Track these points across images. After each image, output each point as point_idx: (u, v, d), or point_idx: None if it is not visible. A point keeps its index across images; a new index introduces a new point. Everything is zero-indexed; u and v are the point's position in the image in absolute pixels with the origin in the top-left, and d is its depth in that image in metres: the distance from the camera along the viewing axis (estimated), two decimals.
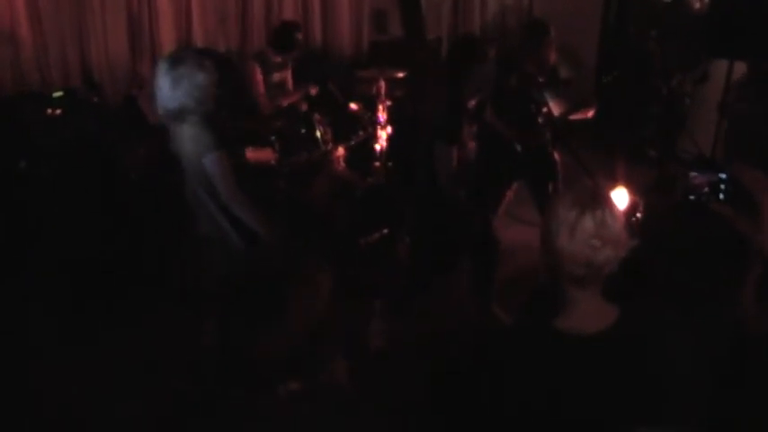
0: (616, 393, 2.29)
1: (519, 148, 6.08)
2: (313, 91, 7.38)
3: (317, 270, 2.36)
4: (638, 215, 5.38)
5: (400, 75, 7.41)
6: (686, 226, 3.63)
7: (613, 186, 5.80)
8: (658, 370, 2.29)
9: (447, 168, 5.15)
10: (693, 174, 1.98)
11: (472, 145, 5.51)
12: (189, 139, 4.23)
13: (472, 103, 5.32)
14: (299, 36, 7.36)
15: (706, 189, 1.98)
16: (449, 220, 5.40)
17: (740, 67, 7.26)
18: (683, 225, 3.65)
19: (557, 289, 2.45)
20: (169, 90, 4.13)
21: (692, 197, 1.99)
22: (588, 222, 2.32)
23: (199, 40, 8.00)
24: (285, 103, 7.21)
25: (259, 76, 7.03)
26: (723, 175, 1.96)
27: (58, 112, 6.44)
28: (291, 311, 2.19)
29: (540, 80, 6.02)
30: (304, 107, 7.36)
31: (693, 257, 3.92)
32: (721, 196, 1.96)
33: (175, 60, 4.19)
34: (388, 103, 7.18)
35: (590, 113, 6.16)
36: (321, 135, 6.82)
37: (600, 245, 2.32)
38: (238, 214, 4.28)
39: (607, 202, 2.39)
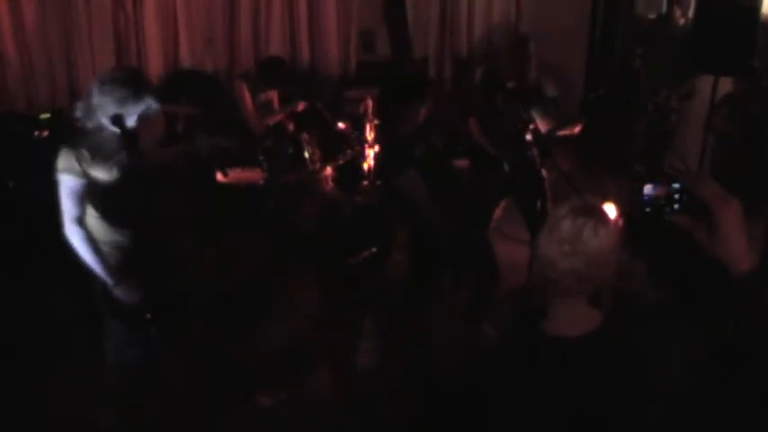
0: (600, 395, 2.30)
1: (507, 165, 6.10)
2: (300, 107, 7.37)
3: (303, 284, 2.38)
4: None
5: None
6: (648, 238, 3.66)
7: (601, 203, 5.83)
8: (640, 373, 2.30)
9: (418, 193, 5.19)
10: (648, 186, 1.99)
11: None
12: None
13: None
14: (285, 71, 7.39)
15: (666, 200, 1.99)
16: (433, 240, 5.43)
17: (726, 83, 7.29)
18: (645, 237, 3.68)
19: (542, 293, 2.46)
20: None
21: (647, 210, 2.00)
22: (566, 225, 2.32)
23: (186, 61, 8.03)
24: (272, 121, 7.21)
25: (248, 96, 7.04)
26: (677, 186, 1.98)
27: (46, 133, 6.45)
28: (275, 323, 2.21)
29: (526, 96, 6.04)
30: (291, 127, 7.36)
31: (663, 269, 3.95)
32: (676, 207, 1.98)
33: None
34: (376, 122, 7.20)
35: (576, 129, 6.18)
36: (309, 154, 6.82)
37: (569, 251, 2.31)
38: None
39: (595, 218, 2.38)
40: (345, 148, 7.17)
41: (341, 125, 7.35)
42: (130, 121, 4.15)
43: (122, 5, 7.50)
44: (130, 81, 4.21)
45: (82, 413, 4.80)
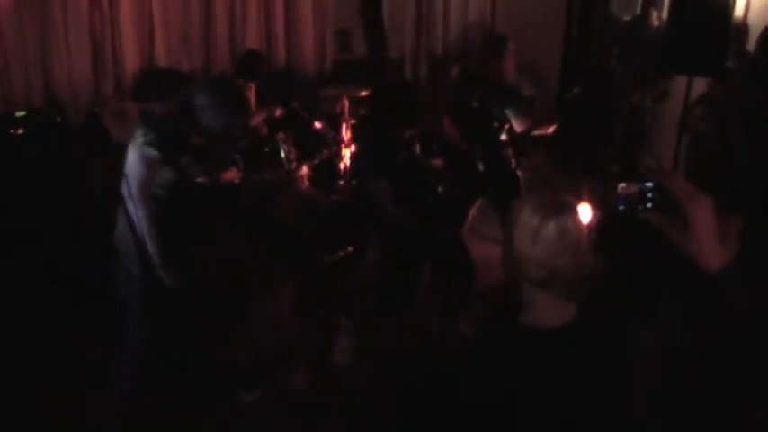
0: (579, 386, 2.34)
1: (481, 165, 6.12)
2: (278, 112, 7.37)
3: (280, 283, 2.39)
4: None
5: (364, 93, 7.44)
6: (622, 235, 3.72)
7: (576, 202, 5.85)
8: (618, 365, 2.34)
9: (385, 203, 5.21)
10: (621, 184, 2.03)
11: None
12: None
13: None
14: (263, 65, 7.41)
15: (638, 198, 2.02)
16: (405, 240, 5.45)
17: (700, 84, 7.35)
18: (619, 235, 3.73)
19: (519, 288, 2.50)
20: None
21: (621, 207, 2.04)
22: (551, 228, 2.37)
23: (162, 60, 8.00)
24: (251, 124, 7.21)
25: None
26: (649, 184, 2.01)
27: (21, 131, 6.42)
28: (254, 321, 2.22)
29: (501, 95, 6.05)
30: (266, 130, 7.36)
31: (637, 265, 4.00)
32: (649, 205, 2.01)
33: None
34: (352, 121, 7.20)
35: (550, 129, 6.20)
36: (285, 153, 6.82)
37: (561, 250, 2.36)
38: (141, 217, 4.36)
39: (570, 210, 2.44)
40: (322, 148, 7.18)
41: (317, 124, 7.36)
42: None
43: (98, 4, 7.46)
44: (227, 93, 4.76)
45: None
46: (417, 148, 5.64)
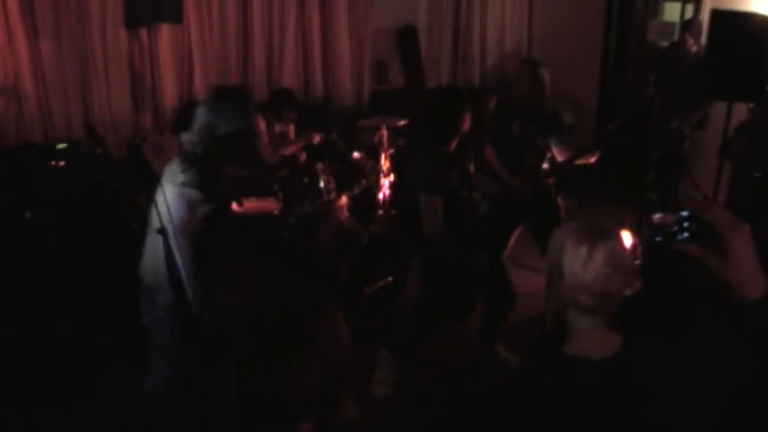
0: (624, 419, 2.31)
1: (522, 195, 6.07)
2: (316, 139, 7.38)
3: (340, 311, 2.37)
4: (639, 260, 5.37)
5: (402, 123, 7.45)
6: (659, 266, 3.69)
7: (617, 229, 5.80)
8: (664, 398, 2.32)
9: (430, 219, 5.16)
10: (657, 215, 2.02)
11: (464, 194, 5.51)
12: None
13: (452, 146, 5.33)
14: (294, 102, 7.45)
15: (675, 228, 2.01)
16: (438, 268, 5.41)
17: (740, 110, 7.29)
18: (657, 266, 3.70)
19: (563, 320, 2.48)
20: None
21: (658, 239, 2.02)
22: (601, 253, 2.36)
23: (200, 93, 8.06)
24: (288, 152, 7.22)
25: (262, 127, 7.06)
26: (685, 214, 2.00)
27: (62, 163, 6.49)
28: (318, 350, 2.19)
29: (542, 124, 6.00)
30: (304, 157, 7.37)
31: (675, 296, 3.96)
32: (686, 235, 1.99)
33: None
34: (391, 151, 7.21)
35: (593, 159, 6.14)
36: (324, 184, 6.83)
37: (612, 273, 2.35)
38: (178, 254, 4.17)
39: (615, 234, 2.44)
40: (360, 178, 7.19)
41: (356, 155, 7.36)
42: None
43: (138, 38, 7.55)
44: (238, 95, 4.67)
45: None
46: (471, 166, 5.59)
